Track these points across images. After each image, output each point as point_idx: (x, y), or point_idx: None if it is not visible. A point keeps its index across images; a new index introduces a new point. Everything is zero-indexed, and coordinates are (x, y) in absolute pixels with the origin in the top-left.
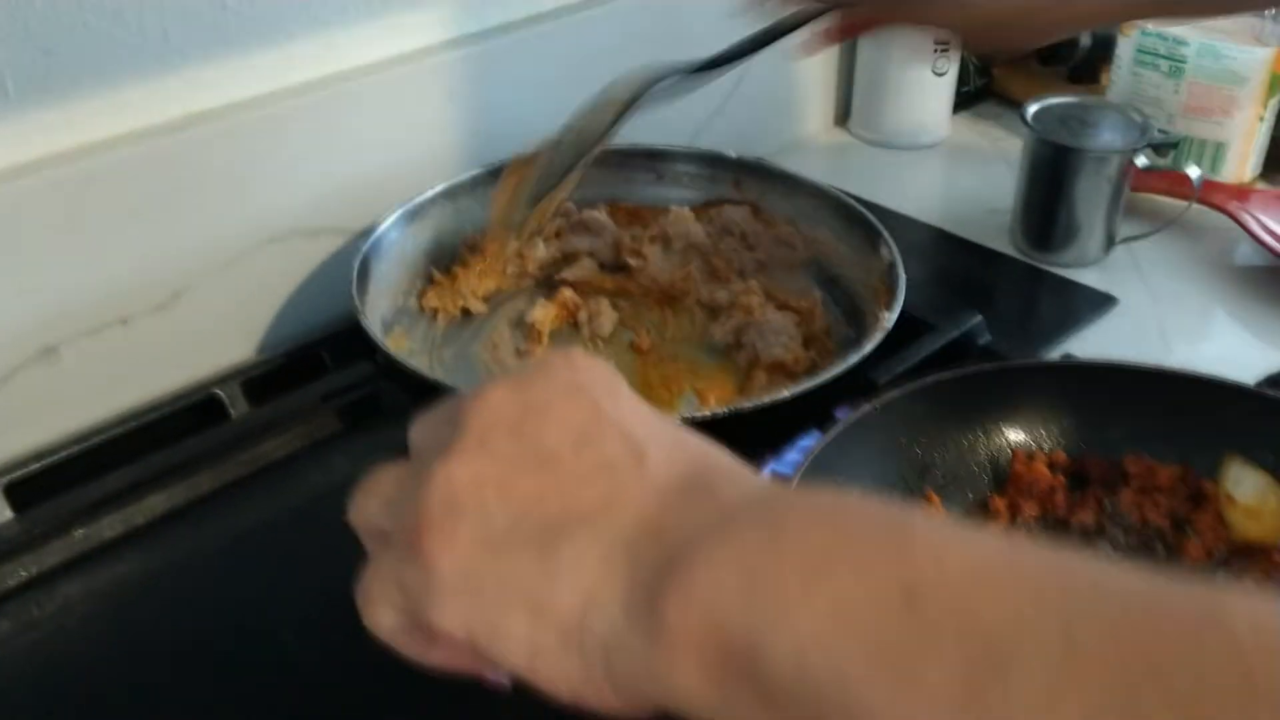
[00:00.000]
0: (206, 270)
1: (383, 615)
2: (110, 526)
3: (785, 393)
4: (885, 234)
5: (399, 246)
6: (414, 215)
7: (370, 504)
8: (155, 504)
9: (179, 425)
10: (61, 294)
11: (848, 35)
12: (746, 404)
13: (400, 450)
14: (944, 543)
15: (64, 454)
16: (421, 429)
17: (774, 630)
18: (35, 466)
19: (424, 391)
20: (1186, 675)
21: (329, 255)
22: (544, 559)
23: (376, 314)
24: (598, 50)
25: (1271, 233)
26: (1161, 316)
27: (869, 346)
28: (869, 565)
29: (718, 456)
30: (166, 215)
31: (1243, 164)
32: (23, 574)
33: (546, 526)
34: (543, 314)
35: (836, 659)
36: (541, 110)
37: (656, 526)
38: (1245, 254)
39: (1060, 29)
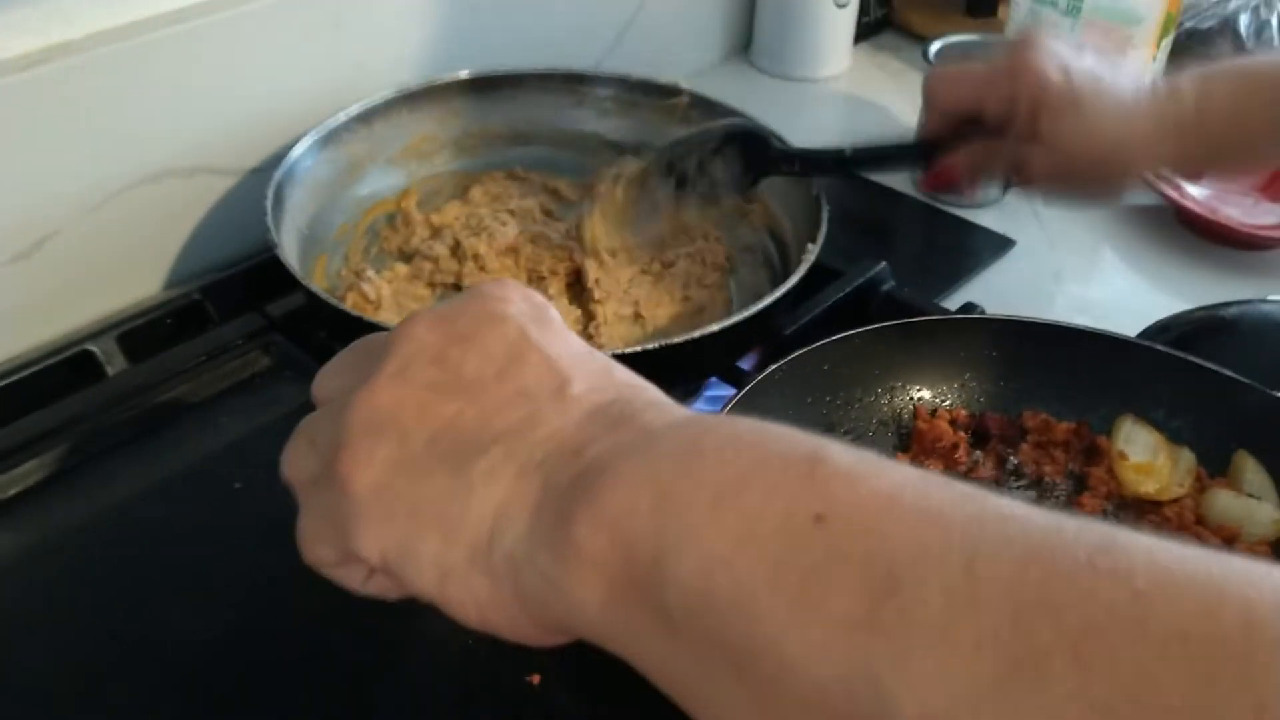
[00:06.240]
0: (72, 215)
1: (320, 550)
2: None
3: (693, 334)
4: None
5: (312, 174)
6: (327, 140)
7: (298, 451)
8: (29, 471)
9: (51, 385)
10: None
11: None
12: (650, 345)
13: (303, 404)
14: (857, 472)
15: None
16: (333, 371)
17: (681, 549)
18: None
19: (355, 330)
20: (1079, 610)
21: (208, 196)
22: (457, 475)
23: (292, 249)
24: None
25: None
26: (1057, 258)
27: (775, 295)
28: (780, 489)
29: (644, 389)
30: (26, 156)
31: None
32: None
33: (462, 444)
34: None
35: (741, 577)
36: (419, 41)
37: (573, 446)
38: (1133, 195)
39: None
